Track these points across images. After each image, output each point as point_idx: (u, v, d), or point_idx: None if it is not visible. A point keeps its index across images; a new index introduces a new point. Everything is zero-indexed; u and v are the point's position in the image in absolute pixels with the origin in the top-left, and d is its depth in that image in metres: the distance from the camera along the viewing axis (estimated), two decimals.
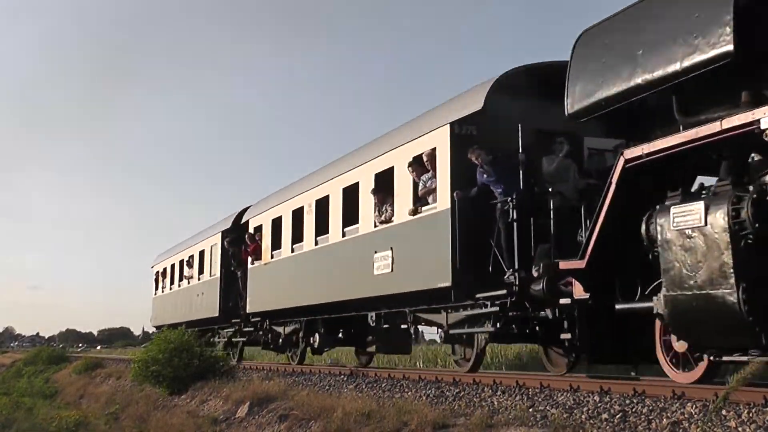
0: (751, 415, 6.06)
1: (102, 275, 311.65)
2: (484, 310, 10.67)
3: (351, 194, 14.11)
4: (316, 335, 16.34)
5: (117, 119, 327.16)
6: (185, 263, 26.40)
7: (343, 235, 14.31)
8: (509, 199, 10.16)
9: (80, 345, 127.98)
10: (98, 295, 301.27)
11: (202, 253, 24.36)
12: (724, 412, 6.27)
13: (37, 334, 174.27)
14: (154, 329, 31.58)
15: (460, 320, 11.29)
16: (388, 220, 12.70)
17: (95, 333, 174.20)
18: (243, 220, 20.84)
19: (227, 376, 14.83)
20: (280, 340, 18.33)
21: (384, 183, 13.01)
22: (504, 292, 10.12)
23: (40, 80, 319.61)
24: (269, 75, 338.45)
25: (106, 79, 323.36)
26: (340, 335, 16.55)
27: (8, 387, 28.65)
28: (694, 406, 6.65)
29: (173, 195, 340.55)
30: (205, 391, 13.60)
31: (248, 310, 19.30)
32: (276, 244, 17.86)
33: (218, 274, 22.02)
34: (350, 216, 14.11)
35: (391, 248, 12.36)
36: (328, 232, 14.99)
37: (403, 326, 14.07)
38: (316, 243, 15.49)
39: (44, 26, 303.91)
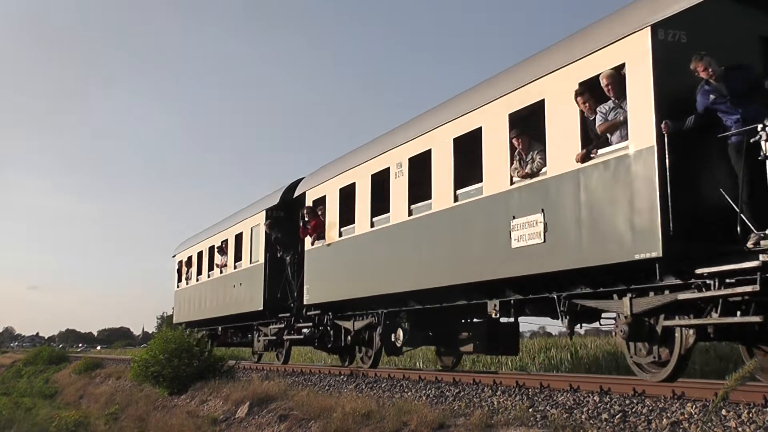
0: (751, 415, 6.07)
1: (102, 275, 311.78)
2: (704, 294, 7.53)
3: (467, 144, 10.92)
4: (399, 331, 13.25)
5: (110, 114, 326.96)
6: (216, 250, 22.65)
7: (455, 199, 10.98)
8: (760, 127, 7.07)
9: (80, 345, 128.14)
10: (98, 295, 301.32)
11: (239, 237, 20.72)
12: (723, 412, 6.28)
13: (37, 334, 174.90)
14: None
15: (654, 308, 8.22)
16: (536, 173, 9.45)
17: (95, 333, 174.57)
18: (297, 194, 17.26)
19: (227, 376, 14.83)
20: (348, 338, 14.96)
21: (527, 123, 9.83)
22: (754, 264, 6.93)
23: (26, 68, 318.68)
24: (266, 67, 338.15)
25: (97, 69, 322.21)
26: (429, 331, 13.61)
27: (8, 387, 28.68)
28: (694, 406, 6.66)
29: (174, 193, 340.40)
30: (205, 391, 13.60)
31: (306, 301, 15.86)
32: (346, 218, 14.44)
33: (262, 260, 18.45)
34: (466, 173, 11.00)
35: (543, 210, 9.14)
36: (429, 198, 11.68)
37: (503, 320, 11.56)
38: (410, 213, 12.17)
39: (10, 11, 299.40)
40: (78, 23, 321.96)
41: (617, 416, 6.75)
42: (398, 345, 13.44)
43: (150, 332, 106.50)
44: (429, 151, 11.78)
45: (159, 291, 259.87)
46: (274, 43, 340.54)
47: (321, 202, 15.64)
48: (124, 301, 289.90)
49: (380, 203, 13.16)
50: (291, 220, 17.29)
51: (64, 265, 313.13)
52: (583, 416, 6.98)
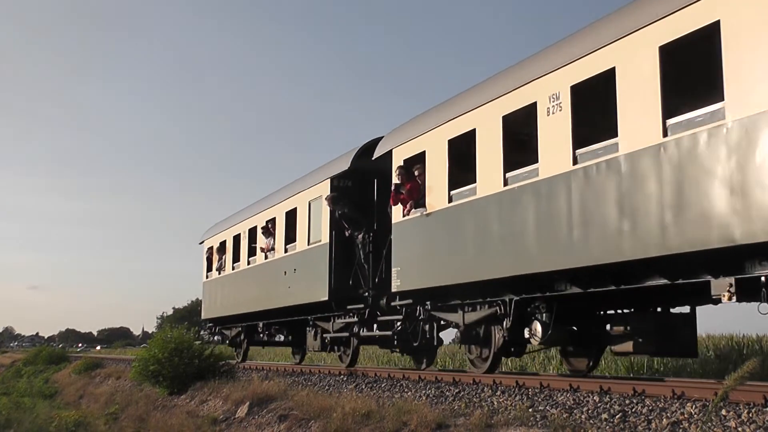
0: (750, 415, 6.08)
1: (102, 275, 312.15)
2: None
3: (685, 52, 8.03)
4: (536, 325, 10.02)
5: (107, 110, 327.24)
6: (261, 231, 18.90)
7: (665, 132, 7.85)
8: None
9: (80, 345, 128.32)
10: (98, 295, 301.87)
11: (291, 214, 17.17)
12: (723, 411, 6.28)
13: (37, 334, 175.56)
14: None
15: None
16: None
17: (95, 333, 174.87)
18: (378, 154, 13.75)
19: (227, 376, 14.84)
20: (457, 334, 12.08)
21: None
22: None
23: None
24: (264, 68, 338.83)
25: (89, 59, 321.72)
26: (573, 325, 10.63)
27: (8, 387, 28.66)
28: (693, 406, 6.67)
29: (175, 192, 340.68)
30: (205, 391, 13.60)
31: (395, 287, 12.64)
32: (458, 178, 11.34)
33: (326, 240, 15.09)
34: (680, 97, 8.05)
35: None
36: (609, 136, 8.58)
37: (675, 310, 9.44)
38: (576, 161, 8.96)
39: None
40: (67, 9, 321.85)
41: (617, 416, 6.75)
42: (534, 342, 10.23)
43: (150, 332, 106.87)
44: (610, 72, 8.63)
45: (159, 291, 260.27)
46: (272, 36, 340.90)
47: (417, 160, 12.36)
48: (124, 301, 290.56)
49: (517, 153, 10.16)
50: (363, 191, 14.59)
51: (64, 265, 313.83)
52: (583, 416, 6.98)
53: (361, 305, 14.28)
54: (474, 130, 10.92)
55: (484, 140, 10.69)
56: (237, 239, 21.35)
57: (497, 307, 10.73)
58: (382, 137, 14.08)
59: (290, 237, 17.19)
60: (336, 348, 16.12)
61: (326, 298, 14.89)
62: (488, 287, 10.69)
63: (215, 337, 23.48)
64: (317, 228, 15.61)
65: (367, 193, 14.59)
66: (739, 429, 5.73)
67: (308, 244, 16.01)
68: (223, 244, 22.72)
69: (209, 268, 24.11)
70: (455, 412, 7.76)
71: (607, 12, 9.35)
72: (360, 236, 14.31)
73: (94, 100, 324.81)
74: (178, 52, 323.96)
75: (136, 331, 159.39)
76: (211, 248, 24.01)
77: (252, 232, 19.90)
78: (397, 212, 12.78)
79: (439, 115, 12.07)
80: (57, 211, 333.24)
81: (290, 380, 13.30)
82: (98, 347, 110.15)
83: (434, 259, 11.70)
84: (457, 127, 11.39)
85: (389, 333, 13.28)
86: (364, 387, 11.42)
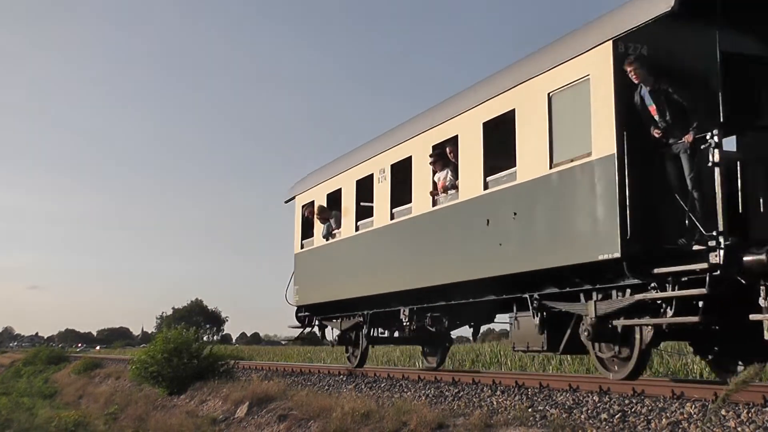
0: (750, 415, 6.08)
1: (102, 275, 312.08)
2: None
3: None
4: None
5: (106, 111, 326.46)
6: (431, 161, 11.65)
7: None
8: None
9: (79, 345, 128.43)
10: (98, 295, 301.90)
11: (496, 125, 10.33)
12: (723, 411, 6.28)
13: (36, 334, 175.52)
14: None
15: None
16: None
17: (94, 333, 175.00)
18: None
19: (226, 376, 14.86)
20: None
21: None
22: None
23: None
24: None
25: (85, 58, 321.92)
26: None
27: (8, 387, 28.70)
28: (693, 406, 6.67)
29: (173, 190, 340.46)
30: (204, 391, 13.62)
31: None
32: None
33: (612, 150, 8.08)
34: None
35: None
36: None
37: None
38: None
39: None
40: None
41: (617, 416, 6.76)
42: None
43: (149, 332, 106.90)
44: None
45: (159, 291, 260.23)
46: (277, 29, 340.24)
47: None
48: (124, 301, 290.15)
49: None
50: (682, 65, 8.33)
51: (64, 265, 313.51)
52: (582, 416, 6.98)
53: (696, 266, 7.38)
54: None
55: None
56: (365, 185, 13.87)
57: None
58: None
59: (492, 164, 10.44)
60: (600, 346, 9.15)
61: (617, 255, 7.95)
62: None
63: (305, 331, 16.88)
64: (577, 134, 8.69)
65: (691, 67, 8.32)
66: (739, 429, 5.74)
67: (551, 167, 9.08)
68: (335, 195, 15.09)
69: (306, 234, 16.41)
70: (455, 412, 7.76)
71: None
72: (688, 138, 7.73)
73: (92, 99, 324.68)
74: (174, 49, 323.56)
75: (136, 331, 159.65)
76: (310, 205, 16.13)
77: (399, 168, 12.73)
78: None
79: None
80: (57, 211, 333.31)
81: (290, 380, 13.31)
82: (98, 347, 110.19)
83: None
84: None
85: None
86: (363, 387, 11.42)
